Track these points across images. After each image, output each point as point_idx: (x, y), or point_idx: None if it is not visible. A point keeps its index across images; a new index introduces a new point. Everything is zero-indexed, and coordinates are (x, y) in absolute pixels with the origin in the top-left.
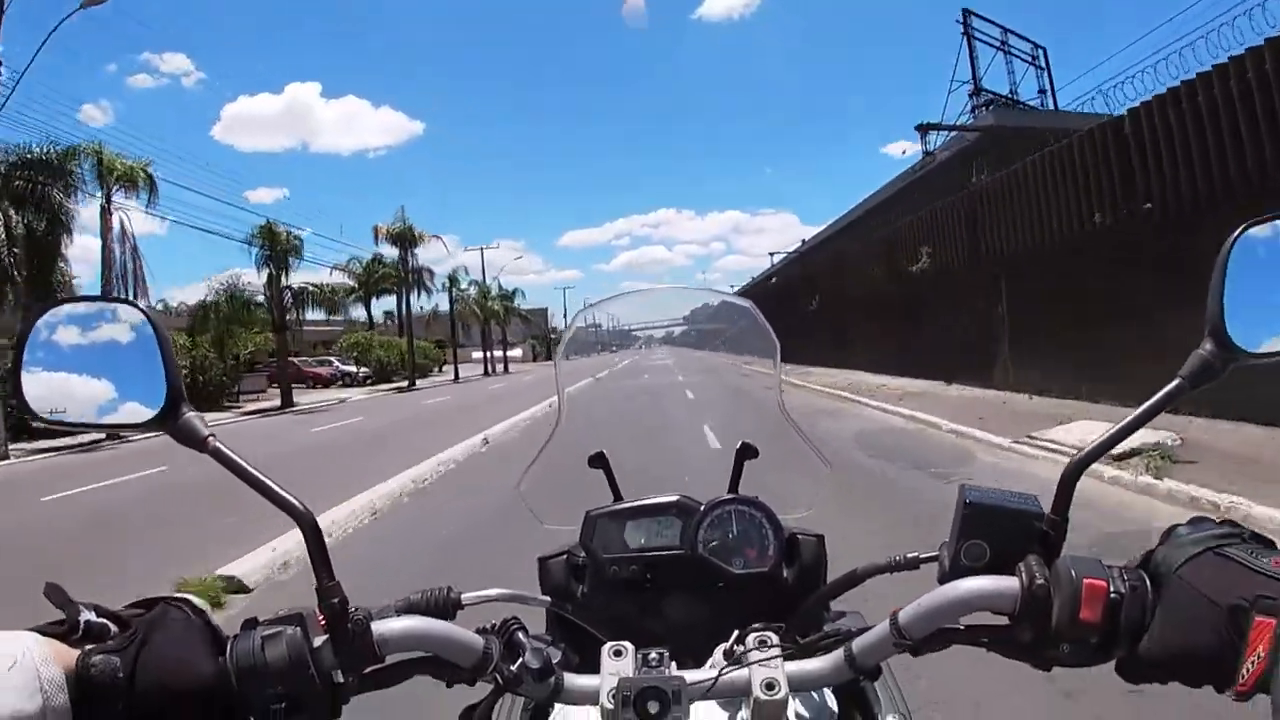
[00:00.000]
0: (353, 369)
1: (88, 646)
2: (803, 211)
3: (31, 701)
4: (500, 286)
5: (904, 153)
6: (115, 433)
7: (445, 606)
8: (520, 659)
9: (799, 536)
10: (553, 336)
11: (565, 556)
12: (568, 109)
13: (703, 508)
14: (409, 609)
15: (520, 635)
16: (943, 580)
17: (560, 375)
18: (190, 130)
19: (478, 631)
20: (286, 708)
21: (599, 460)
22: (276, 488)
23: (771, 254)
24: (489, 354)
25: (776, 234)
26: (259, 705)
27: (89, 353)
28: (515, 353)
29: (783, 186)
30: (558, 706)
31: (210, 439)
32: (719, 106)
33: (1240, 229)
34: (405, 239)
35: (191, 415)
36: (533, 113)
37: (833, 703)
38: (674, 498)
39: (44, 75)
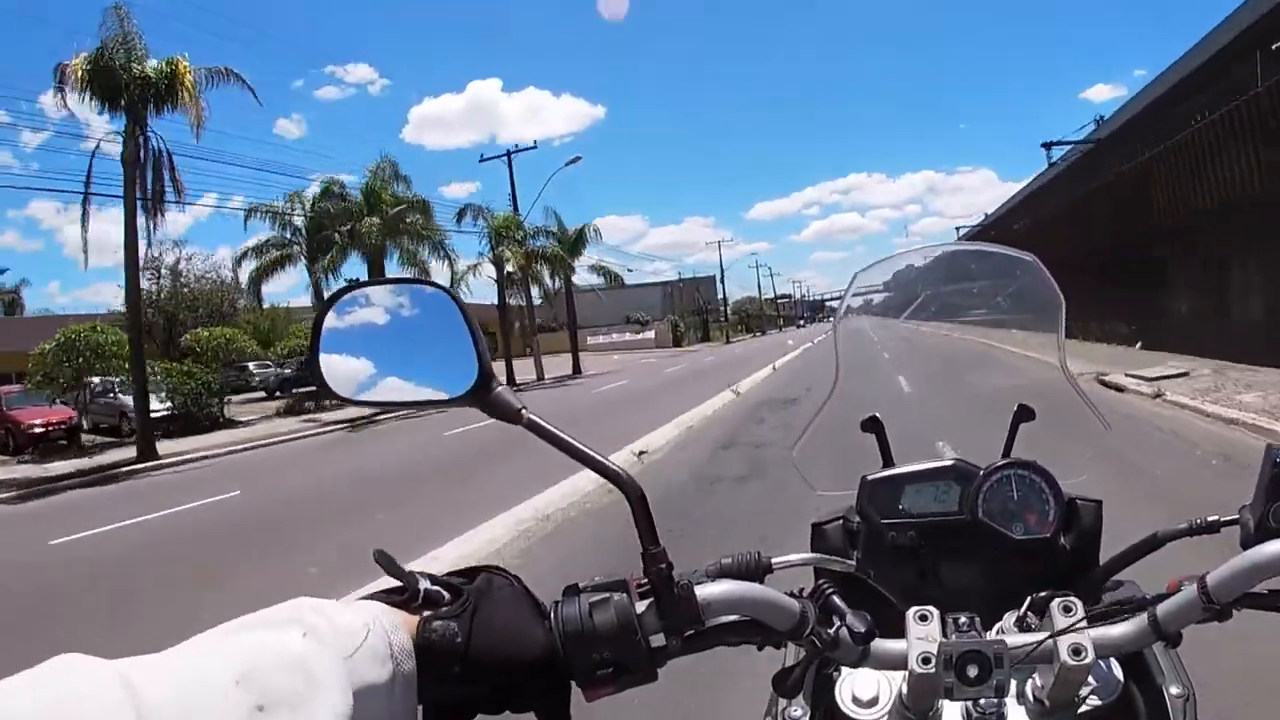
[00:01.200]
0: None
1: (426, 613)
2: (1001, 167)
3: (384, 668)
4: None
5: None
6: (424, 410)
7: (757, 569)
8: (839, 623)
9: (1078, 502)
10: (707, 307)
11: (840, 521)
12: (748, 78)
13: (982, 472)
14: (721, 573)
15: (836, 599)
16: (1246, 544)
17: (838, 340)
18: (380, 135)
19: (789, 595)
20: (612, 671)
21: (872, 424)
22: (598, 456)
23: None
24: (533, 344)
25: (974, 193)
26: (584, 668)
27: (390, 332)
28: (647, 334)
29: (977, 142)
30: (844, 671)
31: (524, 411)
32: (904, 61)
33: None
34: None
35: (503, 390)
36: (713, 86)
37: (1119, 671)
38: (950, 461)
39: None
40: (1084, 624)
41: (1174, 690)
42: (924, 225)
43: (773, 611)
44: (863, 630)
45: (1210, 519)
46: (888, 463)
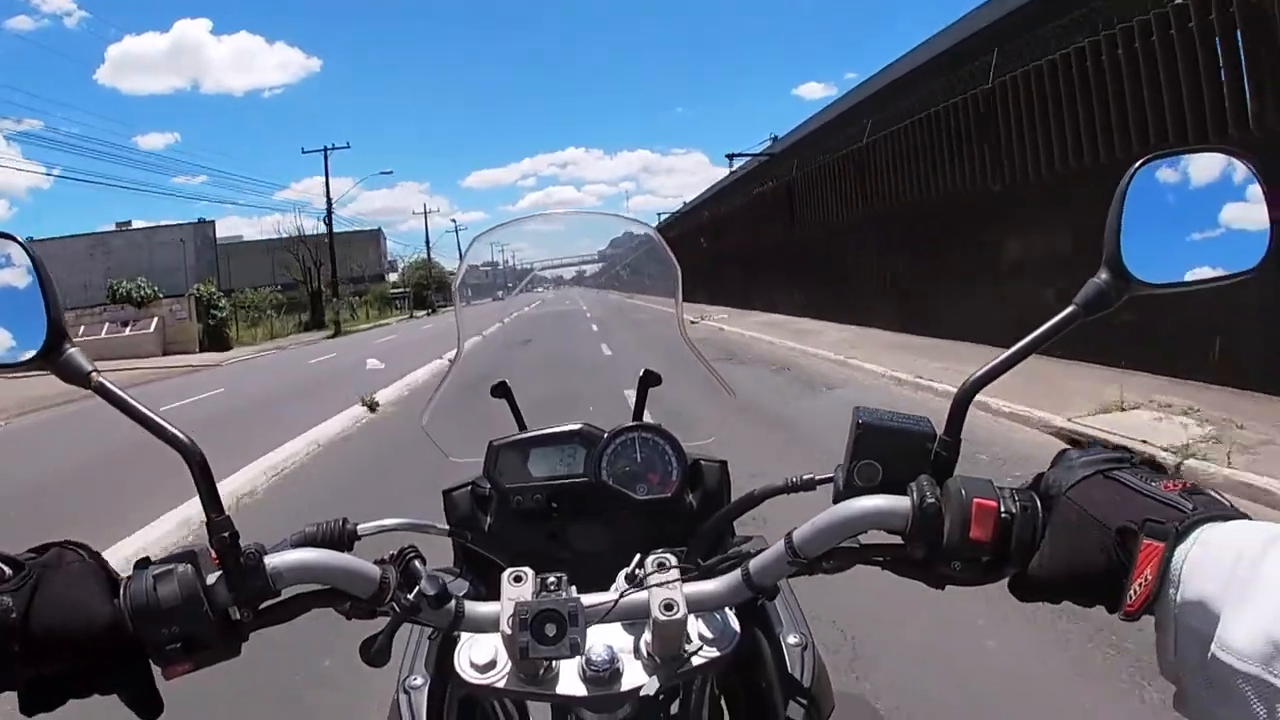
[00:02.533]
0: None
1: None
2: (714, 152)
3: None
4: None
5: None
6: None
7: (342, 538)
8: (417, 588)
9: (702, 463)
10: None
11: (470, 488)
12: (472, 44)
13: (606, 435)
14: (304, 541)
15: (416, 564)
16: (837, 501)
17: (459, 308)
18: (73, 74)
19: (375, 563)
20: (183, 647)
21: (501, 390)
22: (163, 422)
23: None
24: None
25: (687, 174)
26: (156, 645)
27: None
28: (143, 329)
29: (694, 126)
30: (464, 636)
31: (94, 374)
32: (630, 41)
33: (1139, 164)
34: None
35: (74, 351)
36: (436, 48)
37: (735, 623)
38: (577, 426)
39: None
40: (677, 579)
41: (792, 639)
42: (638, 203)
43: (351, 579)
44: (434, 594)
45: (806, 477)
46: (521, 427)
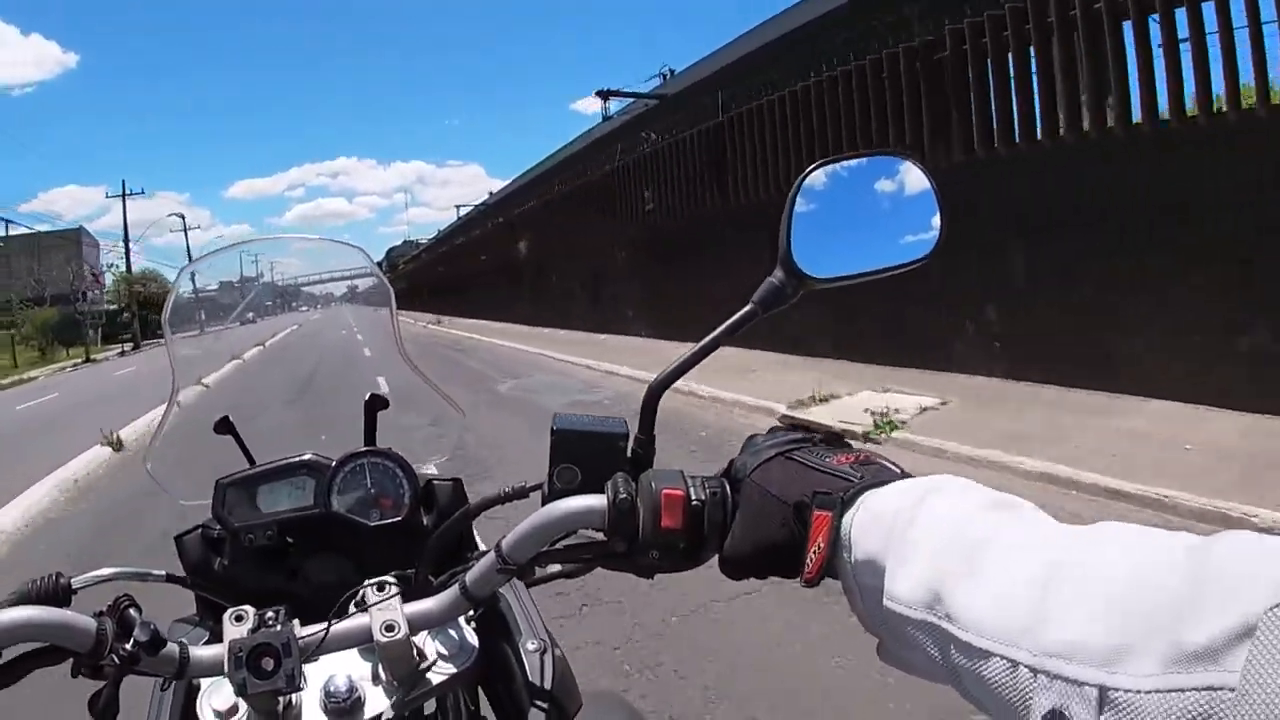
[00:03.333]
0: None
1: None
2: (490, 164)
3: None
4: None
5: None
6: None
7: (55, 592)
8: (132, 636)
9: (435, 483)
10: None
11: (200, 530)
12: (239, 46)
13: (334, 464)
14: (19, 600)
15: (131, 612)
16: (543, 505)
17: (171, 345)
18: None
19: (94, 615)
20: None
21: (224, 426)
22: None
23: (459, 206)
24: None
25: (463, 186)
26: None
27: None
28: None
29: (470, 138)
30: (205, 683)
31: None
32: (404, 50)
33: (810, 168)
34: None
35: None
36: (201, 50)
37: (473, 637)
38: (306, 456)
39: None
40: (395, 599)
41: (530, 645)
42: (414, 214)
43: (67, 634)
44: (146, 640)
45: (520, 485)
46: (251, 462)
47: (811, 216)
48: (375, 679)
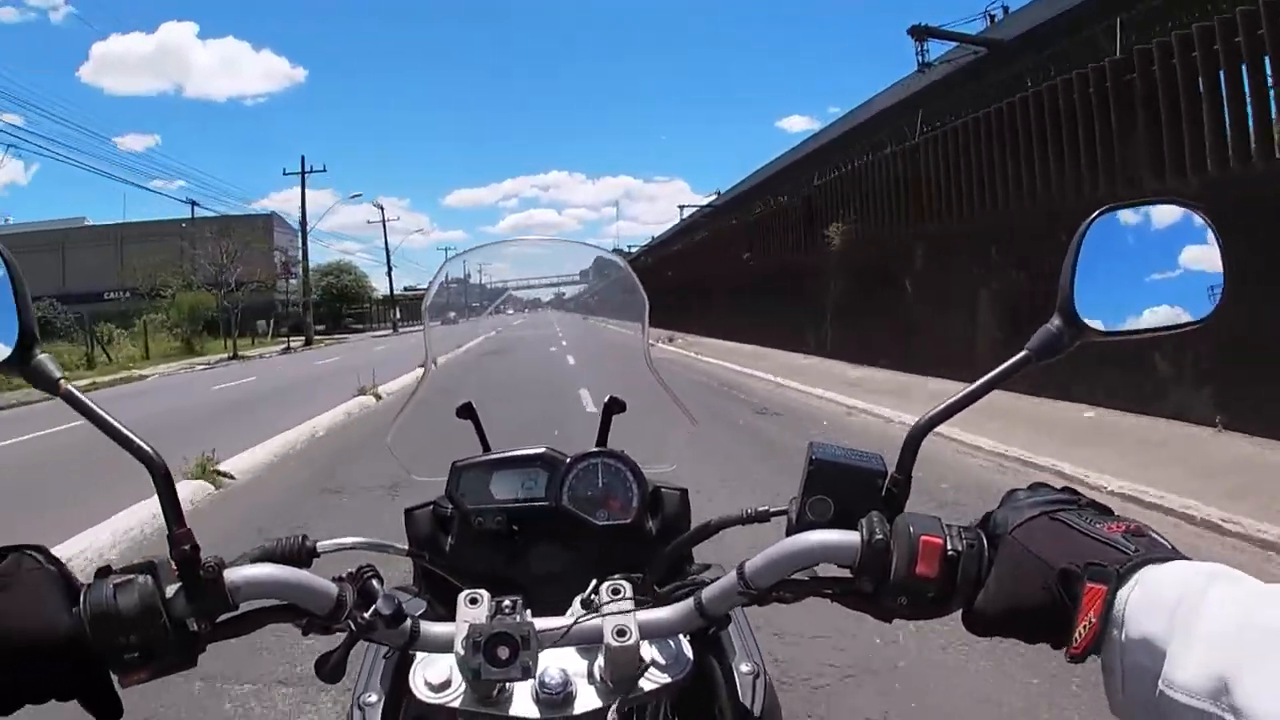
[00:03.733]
0: None
1: None
2: (695, 180)
3: None
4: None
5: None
6: None
7: (300, 554)
8: (374, 606)
9: (663, 490)
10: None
11: (432, 508)
12: (459, 62)
13: (568, 460)
14: (263, 557)
15: (374, 582)
16: (789, 534)
17: (428, 330)
18: (57, 69)
19: (333, 580)
20: (140, 656)
21: (467, 411)
22: (128, 433)
23: (682, 206)
24: None
25: (668, 201)
26: (113, 654)
27: None
28: None
29: (676, 154)
30: (420, 655)
31: (62, 382)
32: (616, 68)
33: (1097, 214)
34: None
35: (44, 358)
36: (420, 66)
37: (688, 650)
38: (540, 450)
39: None
40: (630, 606)
41: (744, 667)
42: (621, 227)
43: (308, 595)
44: (389, 613)
45: (761, 509)
46: (486, 449)
47: (1094, 263)
48: (589, 677)
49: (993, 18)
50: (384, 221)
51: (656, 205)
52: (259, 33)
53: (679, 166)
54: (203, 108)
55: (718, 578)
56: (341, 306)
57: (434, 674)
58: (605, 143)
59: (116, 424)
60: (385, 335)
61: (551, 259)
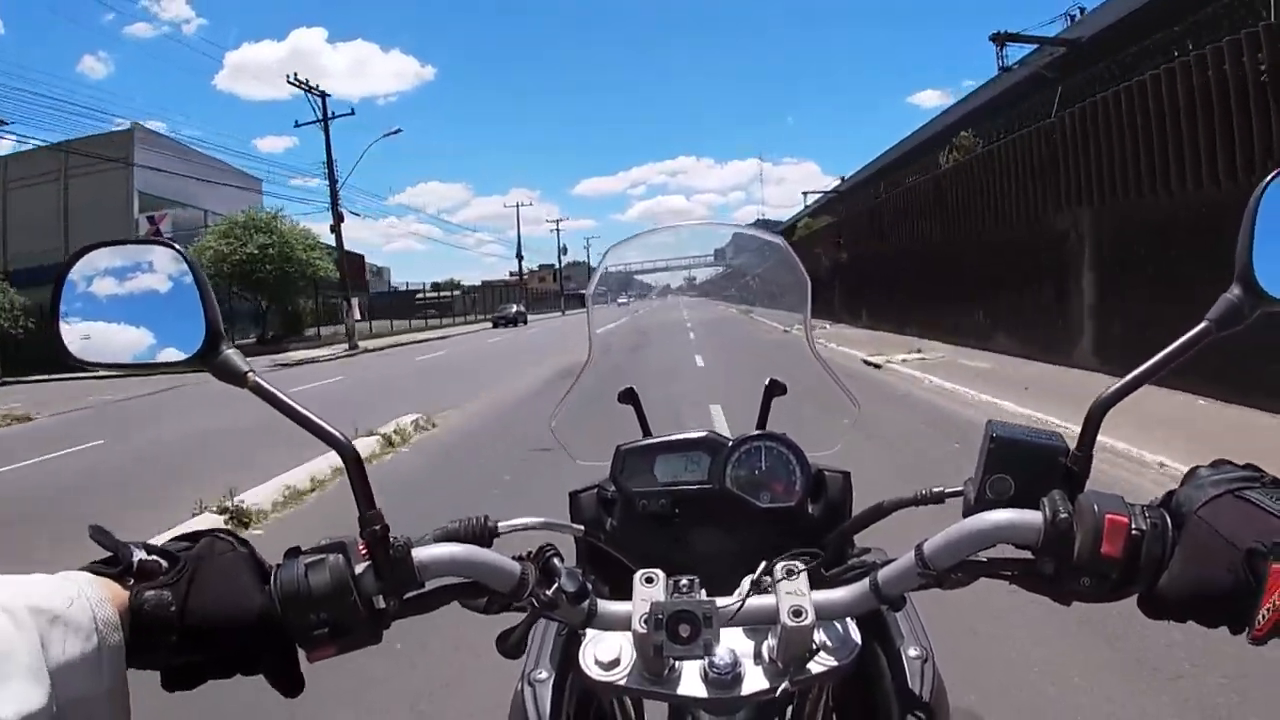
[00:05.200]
0: None
1: (140, 584)
2: (825, 161)
3: (88, 642)
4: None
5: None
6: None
7: (482, 534)
8: (556, 584)
9: (825, 473)
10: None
11: (596, 490)
12: (583, 53)
13: (730, 443)
14: (447, 536)
15: (555, 561)
16: (967, 514)
17: (591, 316)
18: (193, 79)
19: (514, 559)
20: (330, 632)
21: (629, 396)
22: (317, 419)
23: (805, 193)
24: None
25: (797, 184)
26: (303, 630)
27: (126, 295)
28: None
29: (804, 135)
30: (590, 632)
31: (250, 374)
32: (742, 51)
33: (1271, 176)
34: None
35: (231, 352)
36: (548, 57)
37: (856, 634)
38: (703, 433)
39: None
40: (805, 586)
41: (912, 652)
42: (747, 212)
43: (492, 573)
44: (573, 590)
45: (936, 490)
46: (646, 433)
47: (1273, 228)
48: (757, 658)
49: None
50: (518, 207)
51: (784, 188)
52: (388, 34)
53: (807, 148)
54: (337, 108)
55: (880, 560)
56: (261, 299)
57: (604, 652)
58: (732, 127)
59: (306, 412)
60: (458, 332)
61: (683, 245)
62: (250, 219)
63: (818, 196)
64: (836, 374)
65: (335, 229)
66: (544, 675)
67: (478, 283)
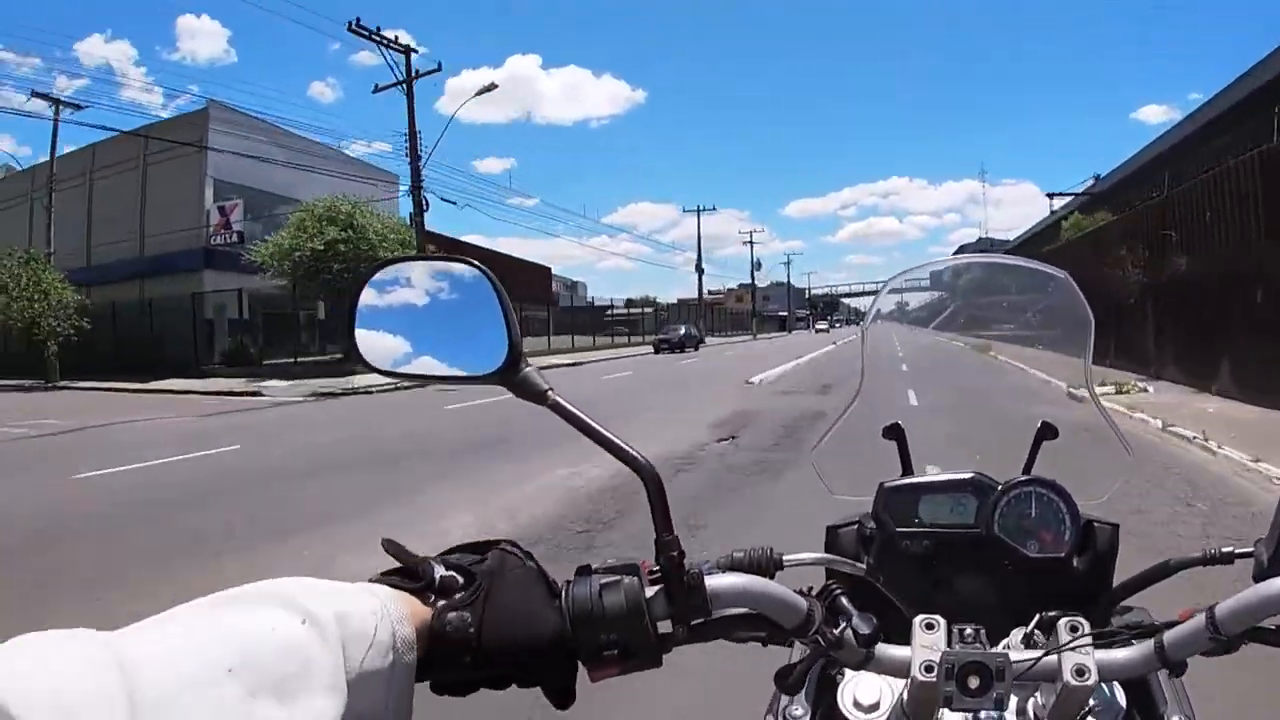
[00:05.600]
0: None
1: (440, 603)
2: (1044, 181)
3: (385, 659)
4: None
5: None
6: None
7: (767, 565)
8: (844, 624)
9: (1095, 524)
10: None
11: (856, 526)
12: (791, 73)
13: (1000, 487)
14: (733, 566)
15: (843, 600)
16: (1259, 577)
17: (865, 348)
18: (416, 106)
19: (798, 593)
20: (618, 654)
21: (893, 432)
22: (618, 440)
23: (1050, 195)
24: None
25: (1014, 206)
26: (591, 649)
27: (424, 308)
28: None
29: (1021, 155)
30: (849, 674)
31: (550, 393)
32: (952, 70)
33: None
34: None
35: (530, 371)
36: (756, 78)
37: (1123, 698)
38: (970, 474)
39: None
40: (1089, 645)
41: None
42: (962, 235)
43: (779, 607)
44: (868, 632)
45: (1225, 550)
46: (907, 471)
47: None
48: (1020, 714)
49: None
50: (697, 211)
51: (1002, 210)
52: (599, 59)
53: (1025, 168)
54: (552, 131)
55: (1144, 620)
56: (326, 302)
57: (865, 694)
58: (945, 147)
59: (606, 433)
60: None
61: (972, 274)
62: (330, 208)
63: (1065, 201)
64: (1112, 419)
65: (417, 219)
66: (799, 712)
67: (674, 300)
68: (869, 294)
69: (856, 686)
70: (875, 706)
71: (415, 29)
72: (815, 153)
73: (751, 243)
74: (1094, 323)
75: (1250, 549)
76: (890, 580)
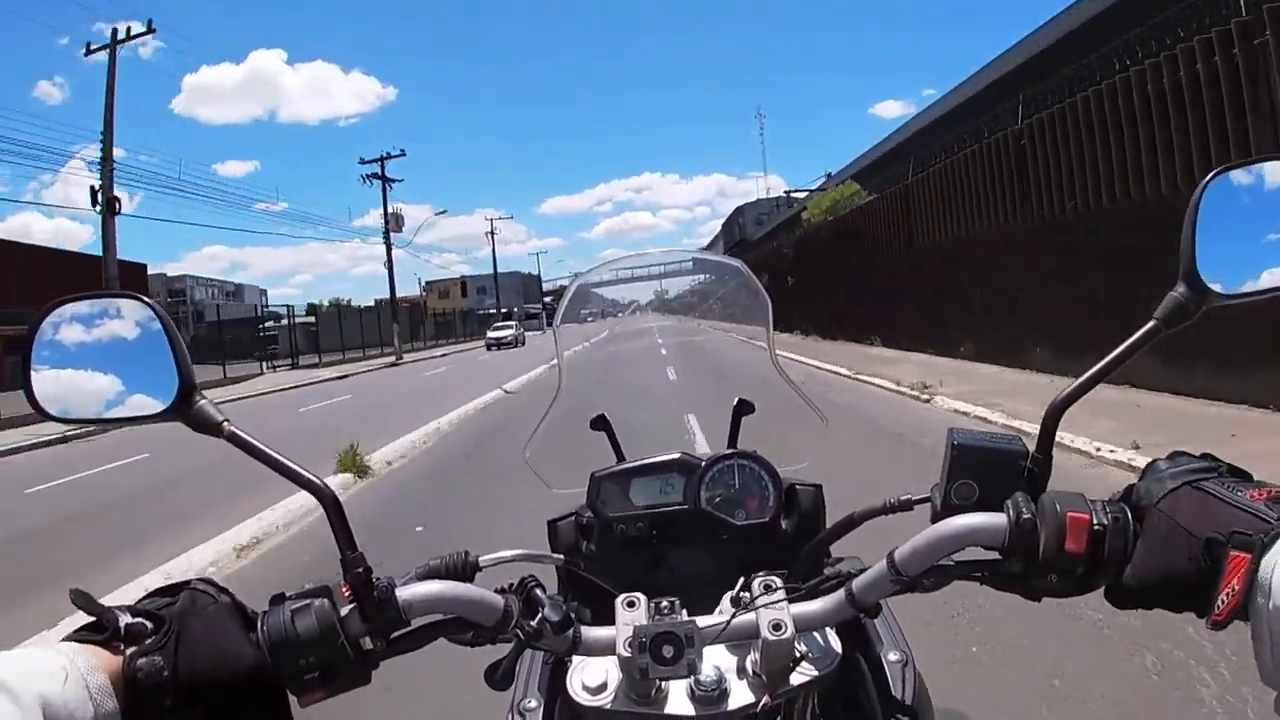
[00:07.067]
0: None
1: (130, 650)
2: (789, 175)
3: (84, 711)
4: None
5: None
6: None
7: (464, 569)
8: (540, 614)
9: (797, 487)
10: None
11: (573, 517)
12: (545, 71)
13: (703, 464)
14: (429, 574)
15: (538, 592)
16: (935, 520)
17: (559, 343)
18: (150, 104)
19: (497, 591)
20: (320, 676)
21: (601, 422)
22: (295, 466)
23: (787, 192)
24: None
25: (762, 197)
26: (293, 676)
27: (97, 347)
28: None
29: (768, 149)
30: (576, 659)
31: (225, 424)
32: (703, 67)
33: (1213, 174)
34: None
35: (204, 403)
36: (509, 76)
37: (836, 642)
38: (676, 455)
39: None
40: (783, 600)
41: (892, 656)
42: (714, 226)
43: (476, 608)
44: (558, 619)
45: (904, 498)
46: (620, 458)
47: (1213, 227)
48: (741, 672)
49: None
50: (491, 231)
51: (750, 201)
52: (348, 55)
53: (772, 163)
54: (297, 131)
55: (855, 569)
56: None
57: (591, 677)
58: (696, 141)
59: (283, 460)
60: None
61: (660, 267)
62: None
63: (803, 195)
64: (801, 389)
65: (105, 223)
66: (533, 704)
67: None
68: (638, 280)
69: (583, 671)
70: (603, 687)
71: (149, 15)
72: (569, 151)
73: (493, 231)
74: (770, 303)
75: (927, 495)
76: (609, 564)
